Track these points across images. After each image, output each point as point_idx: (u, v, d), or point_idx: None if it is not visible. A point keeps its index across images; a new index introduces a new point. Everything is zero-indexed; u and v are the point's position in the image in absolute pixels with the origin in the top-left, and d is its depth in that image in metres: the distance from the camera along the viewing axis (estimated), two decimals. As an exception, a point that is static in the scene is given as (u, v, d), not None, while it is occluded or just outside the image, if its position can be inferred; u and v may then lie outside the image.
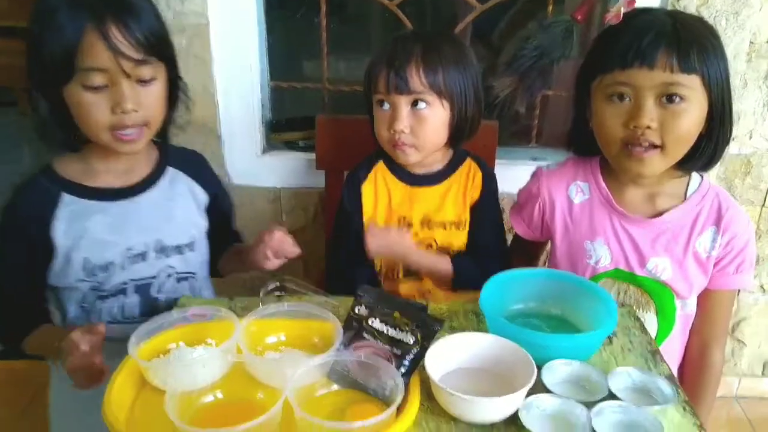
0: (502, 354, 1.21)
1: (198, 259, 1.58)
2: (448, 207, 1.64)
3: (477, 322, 1.41)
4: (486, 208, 1.66)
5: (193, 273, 1.57)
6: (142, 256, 1.45)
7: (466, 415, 1.11)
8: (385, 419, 1.02)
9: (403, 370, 1.16)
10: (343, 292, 1.48)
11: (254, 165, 2.19)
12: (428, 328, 1.19)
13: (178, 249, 1.52)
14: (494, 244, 1.67)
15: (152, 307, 1.49)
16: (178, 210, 1.52)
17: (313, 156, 2.07)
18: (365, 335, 1.22)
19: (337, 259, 1.72)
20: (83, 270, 1.39)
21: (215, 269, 1.67)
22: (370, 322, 1.23)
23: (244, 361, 1.15)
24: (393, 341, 1.19)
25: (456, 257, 1.62)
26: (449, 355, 1.21)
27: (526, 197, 1.69)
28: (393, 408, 1.04)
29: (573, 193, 1.61)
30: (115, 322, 1.45)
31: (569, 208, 1.62)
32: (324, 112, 2.25)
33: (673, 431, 1.11)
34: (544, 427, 1.11)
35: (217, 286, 1.68)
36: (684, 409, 1.16)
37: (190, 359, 1.15)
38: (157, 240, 1.47)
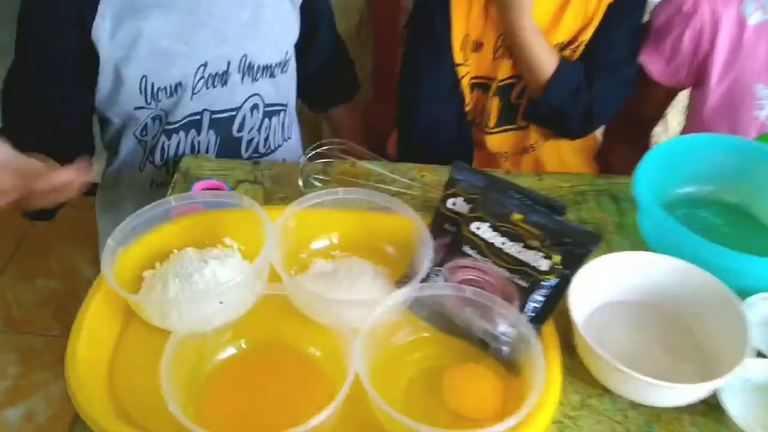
0: (682, 282, 0.78)
1: (289, 84, 1.16)
2: (568, 20, 1.10)
3: (617, 212, 0.96)
4: (630, 6, 1.13)
5: (284, 105, 1.15)
6: (222, 77, 1.05)
7: (642, 397, 0.71)
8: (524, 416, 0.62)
9: (530, 312, 0.74)
10: (419, 155, 1.06)
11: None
12: (574, 247, 0.74)
13: (269, 70, 1.09)
14: (619, 64, 1.14)
15: (231, 149, 1.10)
16: (268, 11, 1.06)
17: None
18: (466, 249, 0.78)
19: (412, 94, 1.20)
20: (141, 92, 1.02)
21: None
22: (473, 228, 0.79)
23: (285, 293, 0.73)
24: (514, 264, 0.76)
25: (564, 59, 1.12)
26: (593, 285, 0.77)
27: (671, 18, 1.15)
28: (534, 399, 0.63)
29: (749, 8, 1.12)
30: None
31: (740, 31, 1.13)
32: None
33: None
34: (749, 406, 0.71)
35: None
36: None
37: (200, 292, 0.73)
38: (242, 56, 1.05)
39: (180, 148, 1.08)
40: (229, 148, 1.11)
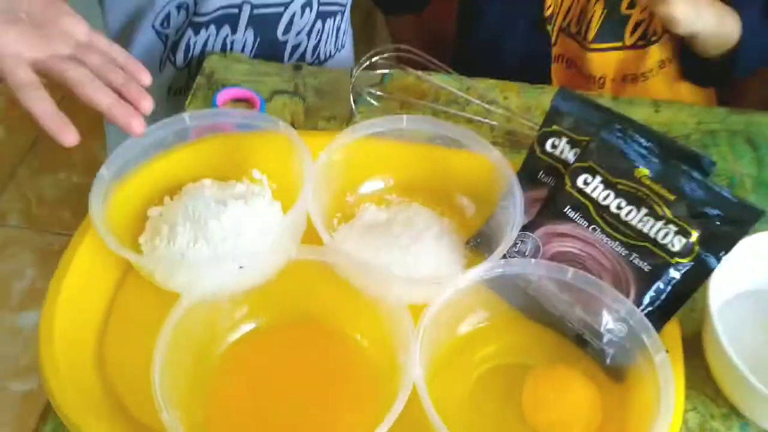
0: None
1: None
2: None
3: (755, 162, 0.74)
4: None
5: (342, 5, 0.94)
6: None
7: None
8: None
9: (649, 306, 0.55)
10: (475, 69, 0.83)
11: None
12: (723, 222, 0.54)
13: None
14: None
15: (270, 55, 0.88)
16: None
17: None
18: (567, 210, 0.59)
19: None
20: None
21: None
22: (580, 183, 0.59)
23: (324, 259, 0.55)
24: (634, 237, 0.56)
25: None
26: (731, 269, 0.58)
27: None
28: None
29: None
30: None
31: None
32: None
33: None
34: None
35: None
36: None
37: (212, 255, 0.56)
38: None
39: (208, 47, 0.87)
40: (268, 53, 0.89)
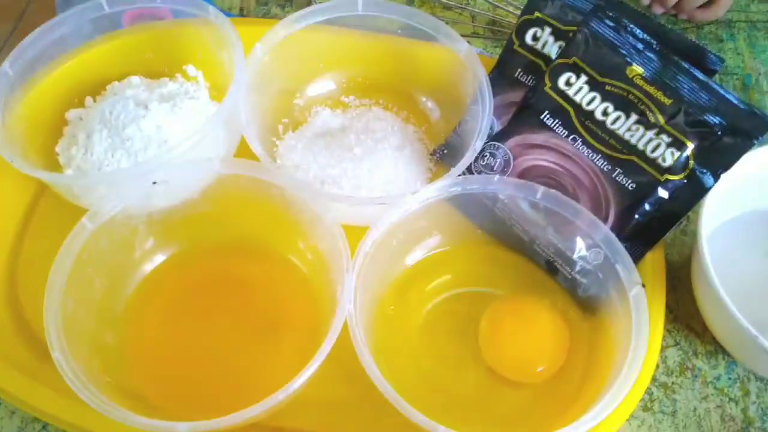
0: None
1: None
2: None
3: (776, 60, 0.64)
4: None
5: None
6: None
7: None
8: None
9: (630, 231, 0.48)
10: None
11: None
12: (724, 132, 0.45)
13: None
14: None
15: None
16: None
17: None
18: (545, 117, 0.50)
19: None
20: None
21: None
22: (562, 84, 0.49)
23: (254, 176, 0.47)
24: (619, 149, 0.48)
25: None
26: (729, 189, 0.49)
27: None
28: (623, 384, 0.40)
29: None
30: None
31: None
32: None
33: None
34: None
35: None
36: None
37: (127, 169, 0.48)
38: None
39: None
40: None
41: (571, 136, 0.49)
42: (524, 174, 0.50)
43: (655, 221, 0.48)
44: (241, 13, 0.66)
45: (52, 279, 0.41)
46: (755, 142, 0.45)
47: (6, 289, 0.49)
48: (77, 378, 0.38)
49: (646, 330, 0.42)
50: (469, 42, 0.55)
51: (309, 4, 0.66)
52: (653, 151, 0.47)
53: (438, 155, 0.55)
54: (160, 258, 0.49)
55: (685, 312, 0.51)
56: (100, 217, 0.44)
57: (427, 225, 0.49)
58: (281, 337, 0.47)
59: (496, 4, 0.66)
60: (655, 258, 0.48)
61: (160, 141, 0.50)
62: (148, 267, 0.48)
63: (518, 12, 0.65)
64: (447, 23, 0.53)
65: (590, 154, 0.49)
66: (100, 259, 0.44)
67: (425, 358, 0.47)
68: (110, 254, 0.45)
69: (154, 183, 0.45)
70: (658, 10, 0.66)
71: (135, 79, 0.56)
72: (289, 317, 0.47)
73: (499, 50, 0.63)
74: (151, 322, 0.47)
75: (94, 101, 0.56)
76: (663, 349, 0.49)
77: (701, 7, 0.65)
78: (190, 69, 0.57)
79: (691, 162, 0.46)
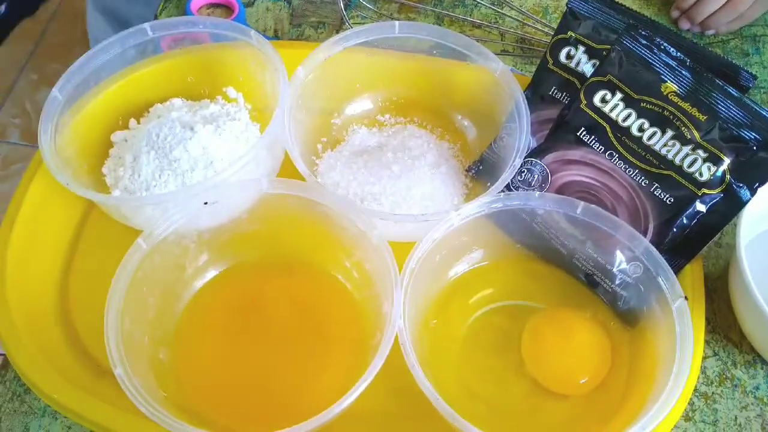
0: None
1: None
2: None
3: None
4: None
5: None
6: None
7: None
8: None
9: (669, 243, 0.49)
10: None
11: None
12: (760, 147, 0.46)
13: None
14: None
15: None
16: None
17: None
18: (582, 134, 0.51)
19: None
20: None
21: None
22: (597, 101, 0.51)
23: (300, 195, 0.48)
24: (656, 164, 0.49)
25: None
26: (765, 204, 0.51)
27: None
28: (668, 398, 0.40)
29: None
30: None
31: None
32: None
33: None
34: None
35: None
36: None
37: (178, 192, 0.50)
38: None
39: None
40: None
41: (608, 152, 0.50)
42: (562, 189, 0.51)
43: (693, 234, 0.49)
44: (276, 35, 0.68)
45: (111, 298, 0.42)
46: (793, 155, 0.46)
47: (59, 307, 0.50)
48: (139, 393, 0.40)
49: (690, 342, 0.43)
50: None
51: (341, 25, 0.68)
52: (690, 166, 0.48)
53: (473, 171, 0.57)
54: (209, 276, 0.50)
55: (722, 322, 0.52)
56: (154, 237, 0.45)
57: (469, 240, 0.50)
58: (328, 352, 0.48)
59: (525, 22, 0.68)
60: (694, 270, 0.49)
61: (206, 162, 0.52)
62: (198, 284, 0.50)
63: (546, 29, 0.67)
64: (477, 41, 0.55)
65: (627, 169, 0.50)
66: (153, 278, 0.46)
67: (468, 371, 0.48)
68: (163, 273, 0.47)
69: (206, 203, 0.47)
70: (685, 25, 0.67)
71: (177, 101, 0.58)
72: (335, 332, 0.49)
73: (529, 66, 0.65)
74: (202, 338, 0.48)
75: (138, 123, 0.58)
76: (703, 359, 0.50)
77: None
78: (231, 91, 0.58)
79: (728, 176, 0.47)
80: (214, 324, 0.49)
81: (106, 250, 0.52)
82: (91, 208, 0.55)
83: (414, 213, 0.52)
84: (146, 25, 0.56)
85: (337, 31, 0.68)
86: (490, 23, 0.68)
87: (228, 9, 0.68)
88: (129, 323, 0.43)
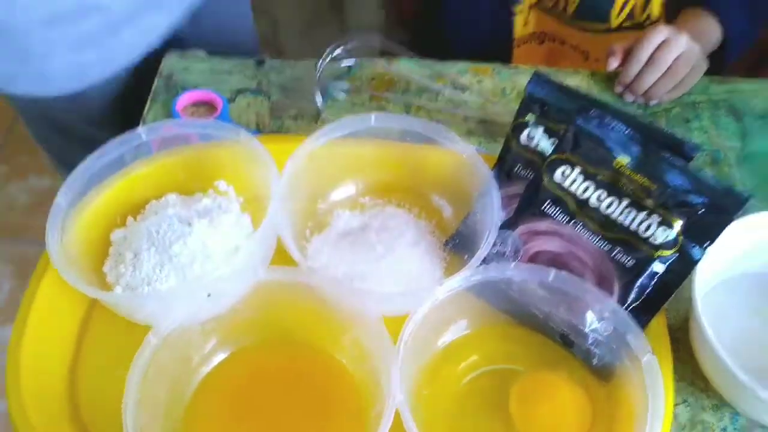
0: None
1: None
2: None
3: (738, 134, 0.72)
4: None
5: None
6: None
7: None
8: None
9: (635, 302, 0.54)
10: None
11: None
12: (707, 210, 0.52)
13: None
14: None
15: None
16: None
17: None
18: (547, 207, 0.57)
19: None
20: None
21: None
22: (558, 177, 0.56)
23: (299, 279, 0.52)
24: (616, 231, 0.54)
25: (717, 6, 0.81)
26: (716, 255, 0.56)
27: None
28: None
29: None
30: None
31: None
32: None
33: None
34: None
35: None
36: None
37: (182, 287, 0.53)
38: None
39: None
40: None
41: (572, 221, 0.55)
42: (534, 258, 0.56)
43: (654, 293, 0.54)
44: (258, 128, 0.73)
45: (127, 396, 0.45)
46: (734, 217, 0.52)
47: (68, 402, 0.53)
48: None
49: (661, 394, 0.47)
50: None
51: (318, 114, 0.73)
52: (646, 230, 0.53)
53: (451, 245, 0.61)
54: (214, 362, 0.53)
55: (687, 370, 0.56)
56: (162, 332, 0.48)
57: (453, 311, 0.54)
58: (329, 427, 0.51)
59: (485, 106, 0.74)
60: (659, 323, 0.54)
61: (204, 255, 0.55)
62: (204, 371, 0.53)
63: (507, 108, 0.73)
64: (444, 126, 0.61)
65: (590, 237, 0.55)
66: (163, 371, 0.49)
67: (463, 420, 0.52)
68: (172, 366, 0.50)
69: (209, 295, 0.50)
70: (629, 98, 0.74)
71: (172, 197, 0.62)
72: (336, 407, 0.52)
73: (493, 145, 0.70)
74: (209, 422, 0.51)
75: (135, 220, 0.61)
76: (674, 406, 0.54)
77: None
78: (221, 184, 0.62)
79: (681, 238, 0.53)
80: (220, 407, 0.51)
81: (110, 345, 0.55)
82: (95, 303, 0.58)
83: (400, 289, 0.56)
84: (140, 130, 0.60)
85: (315, 122, 0.73)
86: (454, 108, 0.74)
87: (212, 106, 0.73)
88: (144, 417, 0.46)
